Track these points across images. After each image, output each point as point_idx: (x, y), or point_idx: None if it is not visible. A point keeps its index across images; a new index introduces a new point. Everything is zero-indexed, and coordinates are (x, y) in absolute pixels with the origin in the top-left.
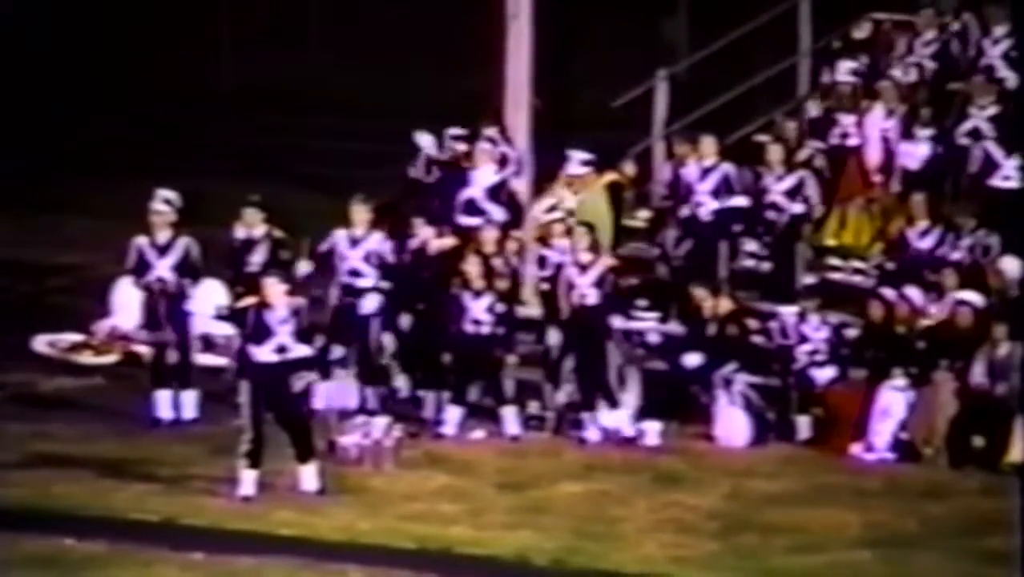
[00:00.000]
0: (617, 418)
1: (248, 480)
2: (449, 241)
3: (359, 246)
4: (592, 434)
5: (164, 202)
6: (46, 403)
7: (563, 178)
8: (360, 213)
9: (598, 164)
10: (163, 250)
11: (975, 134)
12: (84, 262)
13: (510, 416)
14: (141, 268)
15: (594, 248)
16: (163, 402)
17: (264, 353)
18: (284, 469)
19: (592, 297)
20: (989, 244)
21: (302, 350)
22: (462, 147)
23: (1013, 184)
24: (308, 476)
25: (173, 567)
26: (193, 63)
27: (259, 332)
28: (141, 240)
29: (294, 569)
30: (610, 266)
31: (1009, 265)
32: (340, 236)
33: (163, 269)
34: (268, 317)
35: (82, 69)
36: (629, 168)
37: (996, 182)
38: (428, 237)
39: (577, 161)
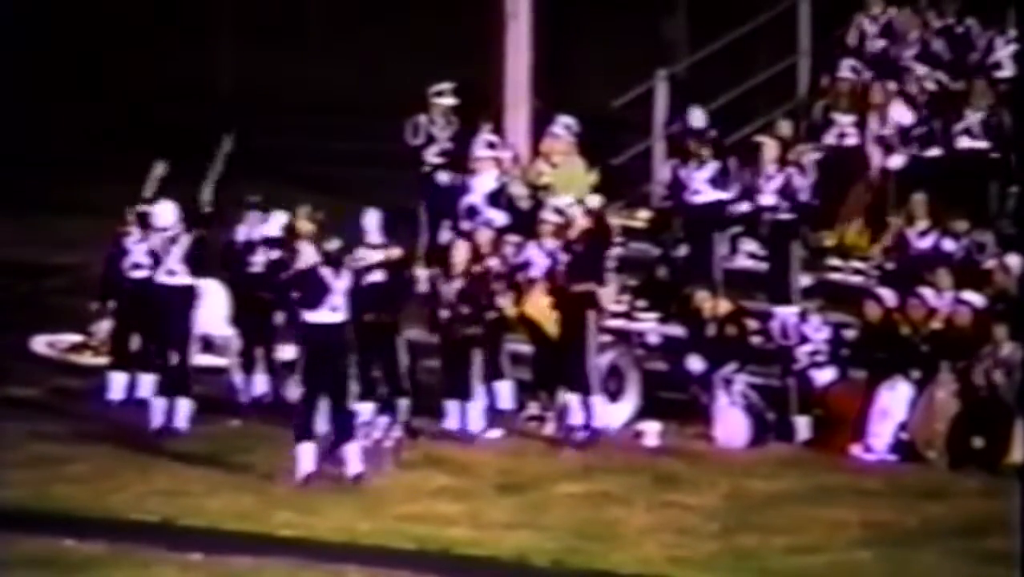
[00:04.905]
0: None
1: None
2: (396, 252)
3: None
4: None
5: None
6: (46, 403)
7: (543, 148)
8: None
9: (579, 133)
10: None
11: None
12: (83, 262)
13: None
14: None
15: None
16: (117, 384)
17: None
18: (283, 469)
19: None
20: (984, 242)
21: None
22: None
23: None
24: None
25: (172, 568)
26: (193, 63)
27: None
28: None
29: (293, 569)
30: (585, 229)
31: (1015, 262)
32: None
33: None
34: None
35: (82, 68)
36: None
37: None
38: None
39: (560, 124)
